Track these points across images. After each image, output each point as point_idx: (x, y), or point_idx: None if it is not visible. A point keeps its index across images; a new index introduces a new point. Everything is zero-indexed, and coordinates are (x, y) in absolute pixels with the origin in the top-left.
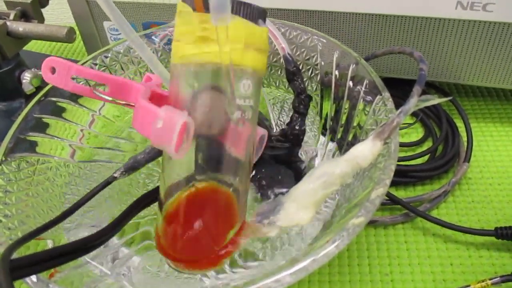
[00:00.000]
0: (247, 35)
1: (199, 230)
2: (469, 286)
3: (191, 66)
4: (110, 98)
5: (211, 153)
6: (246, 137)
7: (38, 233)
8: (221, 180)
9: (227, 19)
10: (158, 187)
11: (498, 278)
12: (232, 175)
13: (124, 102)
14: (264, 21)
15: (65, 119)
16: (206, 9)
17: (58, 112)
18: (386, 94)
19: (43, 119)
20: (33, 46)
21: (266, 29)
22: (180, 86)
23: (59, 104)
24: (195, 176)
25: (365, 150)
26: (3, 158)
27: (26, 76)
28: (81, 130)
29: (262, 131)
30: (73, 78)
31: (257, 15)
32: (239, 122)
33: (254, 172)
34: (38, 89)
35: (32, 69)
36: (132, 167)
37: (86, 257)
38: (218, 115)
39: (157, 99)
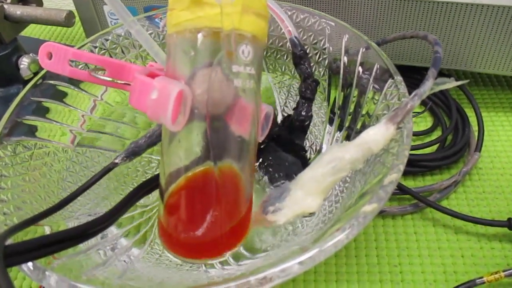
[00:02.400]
0: None
1: (203, 210)
2: (482, 278)
3: (186, 33)
4: (109, 79)
5: (214, 133)
6: (250, 113)
7: (36, 221)
8: (225, 160)
9: None
10: (158, 174)
11: (511, 270)
12: (236, 154)
13: (123, 82)
14: None
15: (66, 103)
16: None
17: (59, 96)
18: (399, 78)
19: (43, 103)
20: (31, 31)
21: None
22: (176, 57)
23: (60, 88)
24: (197, 159)
25: (377, 135)
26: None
27: (24, 61)
28: (82, 116)
29: (267, 108)
30: (71, 63)
31: None
32: (241, 92)
33: (261, 159)
34: (36, 74)
35: (30, 54)
36: (133, 152)
37: (86, 245)
38: (221, 88)
39: None
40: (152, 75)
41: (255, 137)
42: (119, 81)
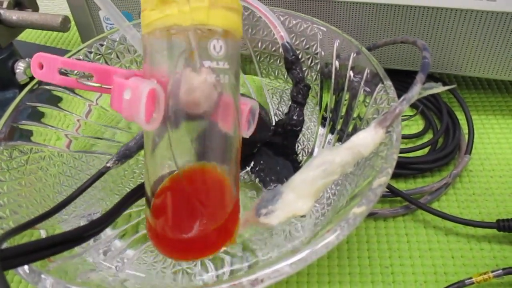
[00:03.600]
0: None
1: (189, 205)
2: (471, 278)
3: (157, 32)
4: (96, 85)
5: (195, 131)
6: (230, 107)
7: (31, 225)
8: (208, 158)
9: None
10: None
11: (500, 271)
12: (220, 151)
13: (109, 87)
14: None
15: (61, 108)
16: None
17: (54, 101)
18: (388, 83)
19: (38, 108)
20: (27, 36)
21: None
22: (151, 57)
23: (55, 93)
24: (180, 164)
25: (366, 138)
26: None
27: (20, 66)
28: (78, 120)
29: (252, 102)
30: (65, 71)
31: None
32: (216, 86)
33: (252, 163)
34: (32, 79)
35: (26, 59)
36: (124, 155)
37: (80, 248)
38: (195, 86)
39: None
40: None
41: (238, 132)
42: (105, 86)
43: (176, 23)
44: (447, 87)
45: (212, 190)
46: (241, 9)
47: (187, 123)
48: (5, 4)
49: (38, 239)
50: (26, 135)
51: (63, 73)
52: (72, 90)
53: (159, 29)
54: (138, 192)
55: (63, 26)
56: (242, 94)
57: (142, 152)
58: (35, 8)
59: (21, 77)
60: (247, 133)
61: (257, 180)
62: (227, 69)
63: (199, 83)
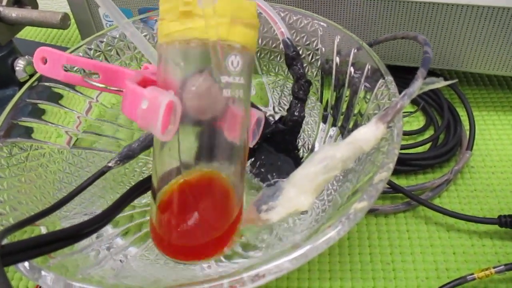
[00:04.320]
0: (233, 9)
1: (195, 216)
2: (472, 274)
3: (176, 44)
4: (102, 86)
5: (205, 139)
6: (240, 120)
7: (31, 221)
8: (215, 165)
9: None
10: (151, 175)
11: (502, 267)
12: (227, 159)
13: (115, 89)
14: None
15: (61, 105)
16: None
17: (55, 98)
18: (389, 78)
19: (39, 105)
20: (27, 33)
21: (254, 3)
22: (167, 67)
23: (56, 90)
24: (188, 163)
25: (367, 134)
26: None
27: (20, 64)
28: (78, 117)
29: (258, 114)
30: (66, 67)
31: None
32: (230, 101)
33: (253, 159)
34: (32, 76)
35: (26, 57)
36: (127, 156)
37: (81, 244)
38: (210, 98)
39: (150, 85)
40: (144, 81)
41: (246, 143)
42: (111, 88)
43: (197, 37)
44: (448, 82)
45: (218, 200)
46: (258, 25)
47: (198, 132)
48: (4, 2)
49: (39, 235)
50: (27, 132)
51: (65, 69)
52: (72, 87)
53: (178, 41)
54: (137, 190)
55: (63, 23)
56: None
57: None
58: (35, 6)
59: (21, 75)
60: (252, 143)
61: (256, 179)
62: (242, 84)
63: (215, 95)
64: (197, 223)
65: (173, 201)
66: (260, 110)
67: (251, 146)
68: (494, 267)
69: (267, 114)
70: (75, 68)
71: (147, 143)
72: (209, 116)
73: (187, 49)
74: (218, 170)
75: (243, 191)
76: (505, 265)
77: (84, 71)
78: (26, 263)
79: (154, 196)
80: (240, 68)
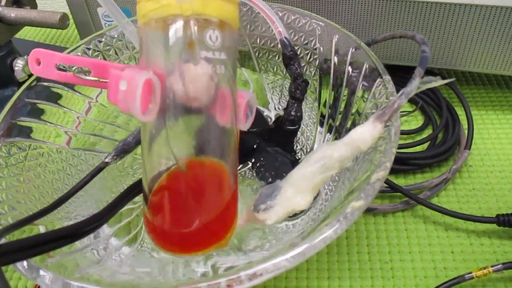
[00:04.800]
0: None
1: (188, 198)
2: (470, 273)
3: (153, 23)
4: (94, 79)
5: (195, 127)
6: (227, 99)
7: (30, 221)
8: (206, 151)
9: None
10: None
11: (500, 265)
12: (218, 144)
13: (106, 81)
14: None
15: (60, 105)
16: None
17: (54, 98)
18: (387, 77)
19: (38, 105)
20: (26, 34)
21: None
22: (147, 49)
23: (55, 90)
24: (179, 153)
25: (365, 133)
26: None
27: (19, 64)
28: (77, 117)
29: (248, 95)
30: (62, 68)
31: None
32: (212, 77)
33: (252, 160)
34: (31, 76)
35: (25, 57)
36: (123, 150)
37: (79, 244)
38: (192, 77)
39: None
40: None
41: (236, 125)
42: (102, 80)
43: (172, 13)
44: (445, 81)
45: (210, 182)
46: (238, 0)
47: (184, 115)
48: (3, 2)
49: (37, 234)
50: (26, 132)
51: (61, 69)
52: (71, 87)
53: (154, 20)
54: (135, 189)
55: (62, 23)
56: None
57: (139, 149)
58: (34, 6)
59: (20, 75)
60: (245, 126)
61: (256, 178)
62: (223, 59)
63: (196, 74)
64: (190, 206)
65: (165, 187)
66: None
67: (245, 129)
68: (492, 266)
69: (264, 114)
70: (73, 68)
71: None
72: (198, 103)
73: (164, 28)
74: (210, 155)
75: (236, 175)
76: (503, 264)
77: (83, 70)
78: (25, 262)
79: (145, 197)
80: (220, 43)
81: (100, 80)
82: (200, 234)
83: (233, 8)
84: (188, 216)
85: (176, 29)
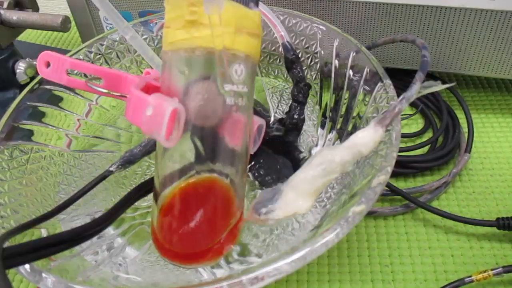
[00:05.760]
0: (238, 18)
1: (196, 222)
2: (470, 276)
3: (181, 52)
4: (105, 91)
5: (207, 144)
6: (242, 126)
7: (33, 225)
8: (217, 171)
9: (220, 6)
10: (153, 177)
11: (500, 269)
12: (228, 165)
13: (119, 94)
14: (257, 5)
15: (61, 108)
16: None
17: (55, 101)
18: (388, 81)
19: (39, 108)
20: (27, 36)
21: (258, 13)
22: (171, 74)
23: (56, 93)
24: (190, 167)
25: (366, 137)
26: None
27: (21, 66)
28: (78, 120)
29: (260, 121)
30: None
31: None
32: (233, 108)
33: (253, 162)
34: (33, 79)
35: (27, 59)
36: (128, 161)
37: (81, 247)
38: (213, 105)
39: (153, 91)
40: (148, 87)
41: (247, 149)
42: (115, 93)
43: (202, 46)
44: (446, 85)
45: (219, 206)
46: (262, 34)
47: (200, 138)
48: (5, 5)
49: (39, 238)
50: (27, 135)
51: (68, 73)
52: (72, 90)
53: (184, 49)
54: (137, 193)
55: (64, 26)
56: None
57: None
58: (35, 8)
59: (21, 77)
60: (252, 150)
61: (256, 182)
62: (245, 92)
63: (215, 100)
64: (197, 229)
65: (174, 205)
66: (265, 116)
67: (252, 153)
68: (492, 270)
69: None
70: (75, 71)
71: (148, 148)
72: (212, 123)
73: (192, 57)
74: (220, 176)
75: (244, 196)
76: (503, 267)
77: (86, 75)
78: (27, 266)
79: (156, 198)
80: (244, 77)
81: (111, 92)
82: (205, 252)
83: (257, 42)
84: (196, 238)
85: (206, 61)
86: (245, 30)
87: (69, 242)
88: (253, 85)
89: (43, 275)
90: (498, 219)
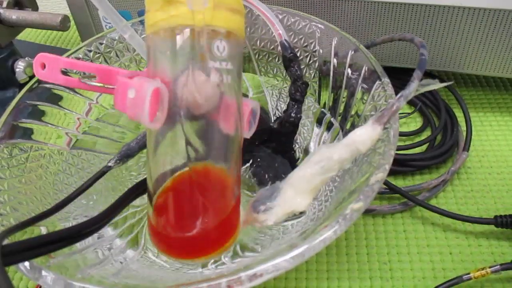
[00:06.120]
0: None
1: (192, 206)
2: (468, 274)
3: (161, 32)
4: (99, 85)
5: (200, 133)
6: (232, 108)
7: (32, 223)
8: (212, 157)
9: None
10: None
11: (498, 266)
12: (222, 151)
13: (112, 87)
14: None
15: (61, 107)
16: None
17: (55, 99)
18: (386, 80)
19: (38, 107)
20: (27, 35)
21: None
22: (155, 57)
23: (55, 91)
24: (182, 163)
25: (364, 135)
26: None
27: (20, 65)
28: (78, 119)
29: (253, 104)
30: (65, 71)
31: None
32: (219, 86)
33: (251, 161)
34: (32, 78)
35: (26, 58)
36: (126, 155)
37: (81, 245)
38: (199, 86)
39: None
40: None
41: (240, 132)
42: (108, 86)
43: (181, 23)
44: (444, 84)
45: (214, 188)
46: (244, 11)
47: (190, 122)
48: (4, 4)
49: (39, 236)
50: (27, 133)
51: (65, 72)
52: (72, 89)
53: (163, 29)
54: (136, 191)
55: (63, 25)
56: (243, 95)
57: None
58: (35, 7)
59: (21, 76)
60: (248, 133)
61: (253, 180)
62: (230, 69)
63: (203, 83)
64: (193, 211)
65: (168, 197)
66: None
67: (248, 137)
68: (490, 267)
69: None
70: (75, 71)
71: (145, 141)
72: (201, 108)
73: (172, 37)
74: (215, 162)
75: (239, 182)
76: (501, 265)
77: (84, 73)
78: (27, 263)
79: (150, 198)
80: (227, 54)
81: (105, 86)
82: (203, 240)
83: (239, 18)
84: (192, 220)
85: (186, 39)
86: (225, 6)
87: (68, 240)
88: (240, 64)
89: (43, 272)
90: (496, 216)
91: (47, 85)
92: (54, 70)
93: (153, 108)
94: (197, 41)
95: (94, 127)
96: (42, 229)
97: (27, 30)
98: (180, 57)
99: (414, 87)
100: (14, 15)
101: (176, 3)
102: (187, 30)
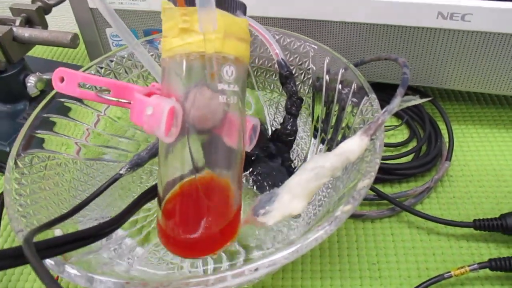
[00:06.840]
0: (226, 25)
1: (197, 212)
2: (449, 272)
3: (177, 57)
4: (114, 99)
5: (206, 146)
6: (236, 124)
7: (55, 223)
8: (216, 169)
9: (214, 25)
10: None
11: (476, 265)
12: (226, 163)
13: (126, 101)
14: (244, 13)
15: (71, 118)
16: (187, 3)
17: (65, 111)
18: (373, 96)
19: (50, 118)
20: (34, 51)
21: (245, 20)
22: (169, 78)
23: (66, 104)
24: (190, 171)
25: (353, 145)
26: (18, 154)
27: (31, 80)
28: (87, 129)
29: (254, 121)
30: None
31: (236, 7)
32: (226, 106)
33: (251, 169)
34: (42, 92)
35: (37, 73)
36: (136, 164)
37: (96, 245)
38: (208, 105)
39: None
40: (150, 94)
41: (242, 146)
42: (122, 100)
43: (195, 50)
44: (423, 100)
45: (218, 195)
46: (250, 39)
47: (198, 136)
48: (17, 22)
49: (62, 235)
50: (40, 143)
51: (81, 86)
52: (80, 101)
53: (179, 55)
54: (148, 195)
55: (73, 43)
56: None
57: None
58: (44, 26)
59: (32, 90)
60: (249, 147)
61: (254, 187)
62: (236, 91)
63: (212, 103)
64: (199, 216)
65: (176, 202)
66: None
67: (249, 151)
68: (469, 266)
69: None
70: (87, 85)
71: (154, 151)
72: (208, 124)
73: (187, 61)
74: (218, 173)
75: (241, 191)
76: (479, 263)
77: (96, 87)
78: (52, 259)
79: (159, 202)
80: (234, 77)
81: (120, 100)
82: (206, 241)
83: (246, 46)
84: (197, 224)
85: (198, 64)
86: (233, 35)
87: (88, 239)
88: (244, 86)
89: (66, 266)
90: (474, 220)
91: (59, 99)
92: (72, 84)
93: (169, 124)
94: (208, 65)
95: (102, 137)
96: (56, 231)
97: (37, 46)
98: (193, 79)
99: (397, 103)
100: (26, 33)
101: (191, 32)
102: (200, 56)
